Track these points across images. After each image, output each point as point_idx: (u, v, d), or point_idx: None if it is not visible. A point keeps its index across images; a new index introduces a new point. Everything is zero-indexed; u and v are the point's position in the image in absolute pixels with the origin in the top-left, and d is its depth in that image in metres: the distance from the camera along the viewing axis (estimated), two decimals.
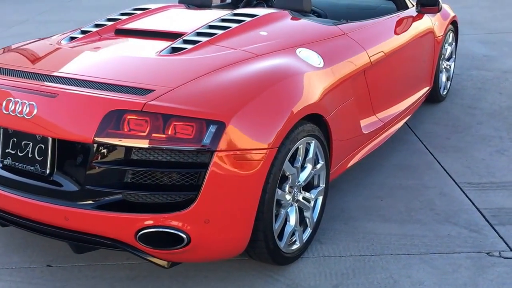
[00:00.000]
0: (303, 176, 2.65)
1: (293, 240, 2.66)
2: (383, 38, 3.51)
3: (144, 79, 2.38)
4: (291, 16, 3.21)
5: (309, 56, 2.82)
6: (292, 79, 2.55)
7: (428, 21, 4.21)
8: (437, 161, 3.71)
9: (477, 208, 3.12)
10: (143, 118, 2.17)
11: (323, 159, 2.78)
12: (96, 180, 2.23)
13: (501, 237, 2.83)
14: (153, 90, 2.26)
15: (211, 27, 2.92)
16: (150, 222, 2.18)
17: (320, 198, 2.84)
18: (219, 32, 2.83)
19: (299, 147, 2.54)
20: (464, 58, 6.11)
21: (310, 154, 2.66)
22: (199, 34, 2.84)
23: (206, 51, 2.65)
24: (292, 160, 2.54)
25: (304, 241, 2.72)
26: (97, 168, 2.22)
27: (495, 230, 2.90)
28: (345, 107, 2.97)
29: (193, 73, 2.42)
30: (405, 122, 4.29)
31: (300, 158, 2.57)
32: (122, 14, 3.35)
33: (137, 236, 2.20)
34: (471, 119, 4.43)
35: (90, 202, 2.24)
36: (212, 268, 2.64)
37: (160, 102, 2.19)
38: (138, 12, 3.36)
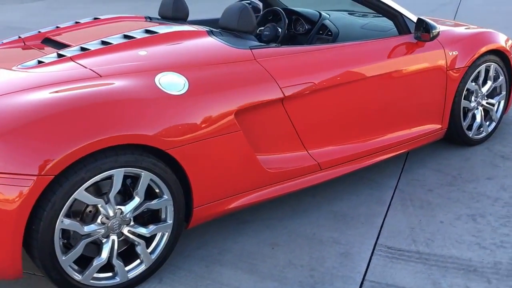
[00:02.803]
0: (128, 208, 2.51)
1: (115, 273, 2.54)
2: (321, 68, 3.09)
3: None
4: (201, 36, 3.02)
5: (171, 82, 2.64)
6: (107, 105, 2.41)
7: (436, 50, 3.58)
8: (385, 215, 3.17)
9: (363, 279, 2.62)
10: None
11: (169, 194, 2.59)
12: None
13: None
14: None
15: (102, 42, 2.90)
16: None
17: (167, 234, 2.65)
18: (96, 48, 2.80)
19: (113, 177, 2.42)
20: None
21: (138, 187, 2.51)
22: (82, 48, 2.84)
23: (54, 67, 2.64)
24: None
25: (130, 278, 2.58)
26: None
27: None
28: (222, 140, 2.71)
29: (5, 90, 2.44)
30: (404, 163, 3.76)
31: (113, 189, 2.44)
32: (76, 23, 3.48)
33: None
34: (486, 172, 3.66)
35: None
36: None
37: None
38: (87, 21, 3.46)
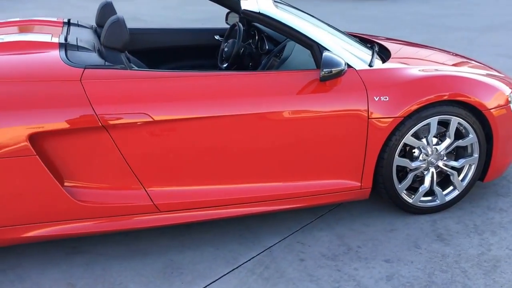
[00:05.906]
0: None
1: None
2: (165, 98, 2.69)
3: None
4: (43, 49, 2.81)
5: None
6: None
7: (354, 92, 2.91)
8: (218, 279, 2.70)
9: None
10: None
11: None
12: None
13: None
14: None
15: None
16: None
17: None
18: None
19: None
20: None
21: None
22: None
23: None
24: None
25: None
26: None
27: None
28: (8, 163, 2.52)
29: None
30: (312, 221, 3.20)
31: None
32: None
33: None
34: (394, 252, 2.93)
35: None
36: None
37: None
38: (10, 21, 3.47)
